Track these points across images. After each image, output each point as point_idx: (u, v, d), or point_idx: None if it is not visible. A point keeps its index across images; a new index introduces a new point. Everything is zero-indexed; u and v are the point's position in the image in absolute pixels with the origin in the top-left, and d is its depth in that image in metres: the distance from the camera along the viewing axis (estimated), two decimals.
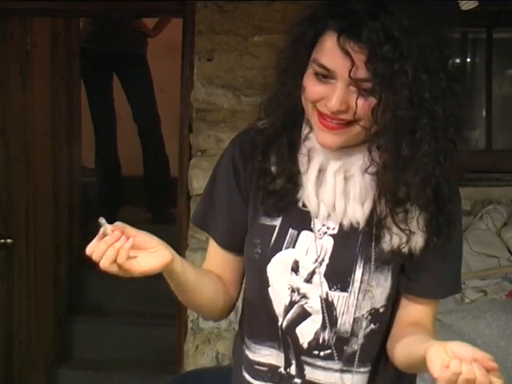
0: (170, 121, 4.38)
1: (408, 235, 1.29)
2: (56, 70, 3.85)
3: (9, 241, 3.26)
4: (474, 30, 3.54)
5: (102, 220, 1.21)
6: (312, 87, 1.26)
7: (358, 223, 1.31)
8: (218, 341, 2.97)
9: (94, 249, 1.20)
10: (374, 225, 1.31)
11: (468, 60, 3.64)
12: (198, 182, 2.92)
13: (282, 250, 1.35)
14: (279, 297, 1.36)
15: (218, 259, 1.47)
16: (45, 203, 3.76)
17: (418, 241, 1.30)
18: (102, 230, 1.21)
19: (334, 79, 1.24)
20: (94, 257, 1.20)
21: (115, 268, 1.21)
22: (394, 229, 1.29)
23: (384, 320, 1.38)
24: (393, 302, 1.38)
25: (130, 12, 3.76)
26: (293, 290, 1.35)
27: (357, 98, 1.22)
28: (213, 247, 1.47)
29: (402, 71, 1.19)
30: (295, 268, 1.34)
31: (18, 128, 3.39)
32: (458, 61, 3.61)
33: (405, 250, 1.30)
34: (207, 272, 1.44)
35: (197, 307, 1.48)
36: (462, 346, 1.10)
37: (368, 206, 1.31)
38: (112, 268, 1.20)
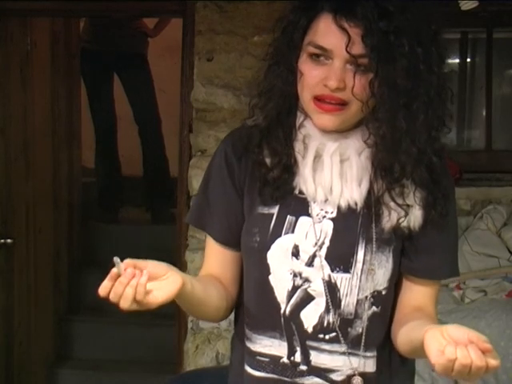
0: (170, 121, 4.38)
1: (406, 210, 1.31)
2: (56, 70, 3.85)
3: (9, 241, 3.26)
4: (473, 30, 3.54)
5: (117, 259, 1.19)
6: (309, 71, 1.29)
7: (356, 204, 1.33)
8: (218, 341, 2.97)
9: (107, 290, 1.19)
10: (373, 203, 1.33)
11: (468, 60, 3.64)
12: (198, 182, 2.89)
13: (281, 235, 1.35)
14: (281, 283, 1.36)
15: (216, 258, 1.47)
16: (45, 203, 3.76)
17: (417, 216, 1.32)
18: (114, 270, 1.19)
19: (331, 59, 1.27)
20: (112, 298, 1.19)
21: (135, 305, 1.20)
22: (392, 204, 1.31)
23: (387, 304, 1.39)
24: (395, 286, 1.39)
25: (130, 12, 3.76)
26: (295, 275, 1.35)
27: (354, 75, 1.25)
28: (210, 246, 1.47)
29: (397, 43, 1.23)
30: (295, 252, 1.35)
31: (17, 128, 3.39)
32: (457, 61, 3.62)
33: (404, 225, 1.32)
34: (210, 280, 1.44)
35: (204, 316, 1.49)
36: (458, 328, 1.10)
37: (365, 185, 1.33)
38: (132, 306, 1.20)
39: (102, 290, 1.19)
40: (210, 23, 2.93)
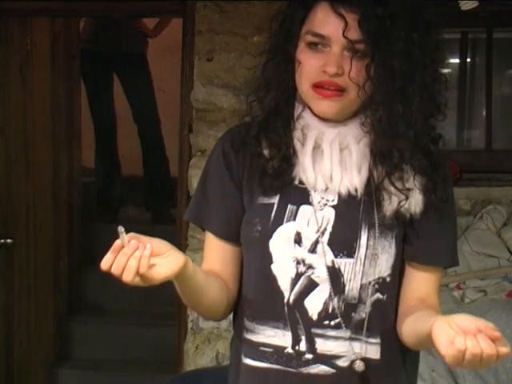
0: (170, 121, 4.38)
1: (406, 194, 1.33)
2: (56, 70, 3.85)
3: (9, 241, 3.26)
4: (473, 30, 3.54)
5: (121, 229, 1.17)
6: (307, 59, 1.32)
7: (357, 191, 1.35)
8: (218, 341, 2.97)
9: (110, 263, 1.18)
10: (373, 190, 1.35)
11: (468, 60, 3.64)
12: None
13: (283, 223, 1.36)
14: (284, 271, 1.36)
15: (216, 254, 1.46)
16: (45, 203, 3.76)
17: (417, 201, 1.34)
18: (118, 242, 1.18)
19: (328, 46, 1.30)
20: (114, 271, 1.18)
21: (138, 279, 1.19)
22: (392, 189, 1.33)
23: (392, 292, 1.39)
24: (399, 276, 1.40)
25: (130, 12, 3.76)
26: (298, 262, 1.35)
27: (351, 61, 1.28)
28: (210, 242, 1.47)
29: (393, 28, 1.27)
30: (298, 239, 1.35)
31: (17, 128, 3.40)
32: (457, 61, 3.62)
33: (405, 209, 1.33)
34: (211, 273, 1.44)
35: (204, 309, 1.47)
36: (465, 318, 1.10)
37: (364, 172, 1.35)
38: (135, 280, 1.19)
39: (105, 262, 1.18)
40: (210, 23, 2.93)
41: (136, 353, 3.97)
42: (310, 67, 1.31)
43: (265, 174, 1.37)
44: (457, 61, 3.61)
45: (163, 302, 3.82)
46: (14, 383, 3.46)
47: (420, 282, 1.40)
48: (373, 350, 1.38)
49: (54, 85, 3.83)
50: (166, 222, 4.26)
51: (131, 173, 4.87)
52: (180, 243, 3.03)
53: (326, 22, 1.29)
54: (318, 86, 1.31)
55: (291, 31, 1.34)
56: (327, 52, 1.30)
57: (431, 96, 1.31)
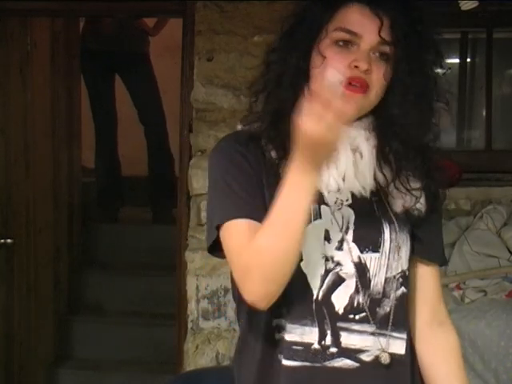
0: (170, 121, 4.38)
1: (414, 194, 1.38)
2: (56, 70, 3.85)
3: (9, 241, 3.26)
4: (473, 30, 3.54)
5: None
6: (336, 55, 1.32)
7: (368, 191, 1.37)
8: (218, 341, 2.97)
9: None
10: (383, 191, 1.39)
11: (468, 60, 3.64)
12: (198, 181, 2.92)
13: (311, 221, 1.35)
14: (314, 269, 1.36)
15: None
16: (45, 203, 3.76)
17: (422, 201, 1.39)
18: None
19: (356, 45, 1.32)
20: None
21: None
22: (402, 188, 1.38)
23: (410, 285, 1.45)
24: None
25: (130, 12, 3.76)
26: (327, 259, 1.36)
27: (376, 62, 1.32)
28: (252, 229, 1.31)
29: (422, 33, 1.32)
30: (327, 237, 1.36)
31: (17, 128, 3.40)
32: (457, 61, 3.62)
33: (413, 209, 1.39)
34: None
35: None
36: None
37: (374, 173, 1.38)
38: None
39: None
40: (210, 23, 2.93)
41: (136, 353, 3.96)
42: (340, 61, 1.31)
43: (279, 177, 1.33)
44: (457, 61, 3.61)
45: (163, 302, 3.83)
46: (13, 383, 3.46)
47: (427, 280, 1.48)
48: (397, 345, 1.40)
49: (54, 85, 3.83)
50: (166, 221, 4.26)
51: (131, 173, 4.87)
52: (180, 243, 3.03)
53: (360, 21, 1.32)
54: (349, 83, 1.31)
55: (312, 30, 1.34)
56: (355, 50, 1.31)
57: (441, 101, 1.37)
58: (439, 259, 1.50)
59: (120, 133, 4.72)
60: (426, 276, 1.48)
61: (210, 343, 2.97)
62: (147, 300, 4.04)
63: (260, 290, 1.29)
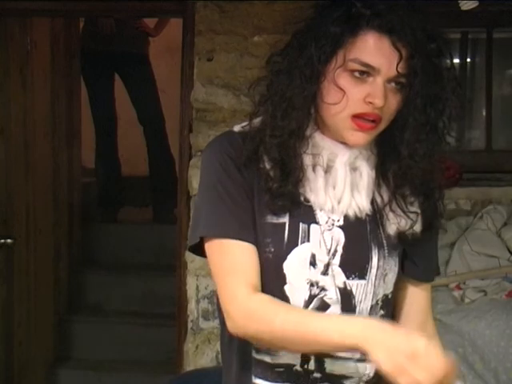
0: (170, 121, 4.38)
1: (410, 216, 1.35)
2: (56, 70, 3.85)
3: (9, 241, 3.26)
4: (473, 30, 3.55)
5: None
6: (351, 88, 1.28)
7: (363, 212, 1.35)
8: (218, 341, 2.96)
9: None
10: (378, 211, 1.36)
11: (468, 60, 3.64)
12: (198, 181, 2.92)
13: (298, 245, 1.34)
14: (298, 292, 1.34)
15: (253, 262, 1.35)
16: (45, 203, 3.76)
17: (419, 221, 1.37)
18: None
19: (372, 77, 1.27)
20: None
21: None
22: (398, 210, 1.35)
23: (391, 305, 1.42)
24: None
25: (130, 12, 3.76)
26: (312, 284, 1.34)
27: (391, 93, 1.28)
28: (242, 251, 1.34)
29: (439, 64, 1.29)
30: (313, 262, 1.34)
31: (17, 128, 3.39)
32: (457, 61, 3.62)
33: (409, 231, 1.36)
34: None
35: None
36: None
37: (371, 193, 1.36)
38: None
39: None
40: (210, 23, 2.93)
41: (136, 353, 3.96)
42: (353, 96, 1.27)
43: (274, 194, 1.32)
44: (457, 61, 3.61)
45: (163, 302, 3.83)
46: (13, 383, 3.46)
47: (416, 298, 1.45)
48: (374, 368, 1.36)
49: (54, 85, 3.83)
50: (166, 222, 4.26)
51: (131, 173, 4.87)
52: (180, 243, 3.03)
53: (378, 53, 1.26)
54: (357, 117, 1.28)
55: (326, 53, 1.28)
56: (370, 82, 1.27)
57: (449, 127, 1.34)
58: (431, 277, 1.47)
59: (120, 133, 4.72)
60: (415, 294, 1.46)
61: (209, 343, 2.97)
62: (147, 300, 4.04)
63: (247, 333, 1.29)
